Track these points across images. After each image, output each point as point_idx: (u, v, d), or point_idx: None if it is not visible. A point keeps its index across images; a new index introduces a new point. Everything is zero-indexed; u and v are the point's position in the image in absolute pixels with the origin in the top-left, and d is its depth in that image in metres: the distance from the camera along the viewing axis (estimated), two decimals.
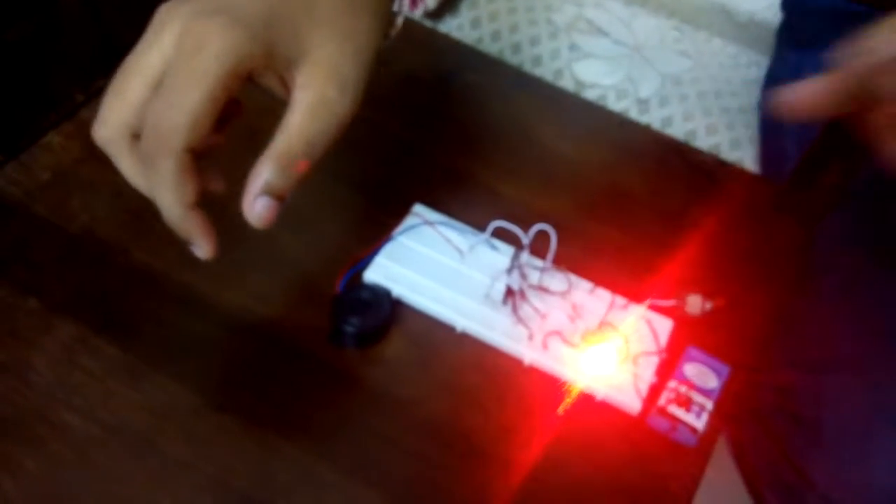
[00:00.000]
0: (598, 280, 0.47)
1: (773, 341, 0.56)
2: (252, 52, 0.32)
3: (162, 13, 0.34)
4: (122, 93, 0.34)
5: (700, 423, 0.41)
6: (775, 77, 0.68)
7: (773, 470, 0.57)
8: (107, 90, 0.34)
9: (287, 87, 0.35)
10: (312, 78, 0.34)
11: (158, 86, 0.33)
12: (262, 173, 0.34)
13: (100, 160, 0.50)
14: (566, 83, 0.69)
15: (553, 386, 0.43)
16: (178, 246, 0.46)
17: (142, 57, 0.33)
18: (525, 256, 0.46)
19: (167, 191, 0.33)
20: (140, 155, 0.34)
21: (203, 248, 0.35)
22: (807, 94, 0.37)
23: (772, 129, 0.66)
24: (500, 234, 0.47)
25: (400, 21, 0.42)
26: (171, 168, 0.33)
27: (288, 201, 0.35)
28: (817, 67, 0.34)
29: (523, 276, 0.45)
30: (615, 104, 0.68)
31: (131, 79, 0.33)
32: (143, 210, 0.48)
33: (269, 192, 0.34)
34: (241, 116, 0.37)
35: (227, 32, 0.32)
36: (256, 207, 0.34)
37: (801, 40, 0.66)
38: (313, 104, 0.34)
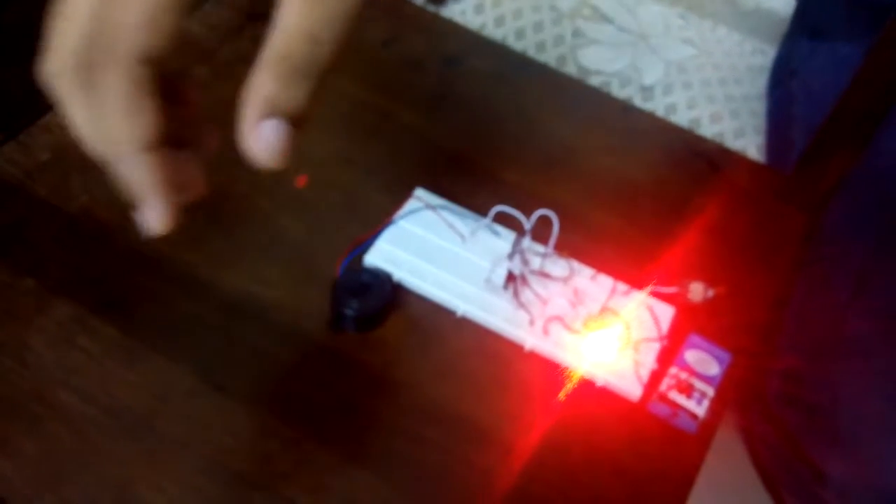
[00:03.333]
0: (600, 266, 0.47)
1: (776, 327, 0.56)
2: None
3: None
4: (72, 9, 0.25)
5: (701, 409, 0.41)
6: (787, 65, 0.67)
7: (784, 457, 0.57)
8: (52, 15, 0.27)
9: None
10: None
11: None
12: (260, 87, 0.25)
13: None
14: (570, 69, 0.69)
15: (554, 371, 0.43)
16: (177, 227, 0.46)
17: None
18: (527, 242, 0.45)
19: (117, 120, 0.26)
20: (82, 79, 0.26)
21: (157, 212, 0.27)
22: None
23: (779, 118, 0.66)
24: (501, 219, 0.47)
25: None
26: (120, 84, 0.25)
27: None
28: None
29: (525, 262, 0.45)
30: (619, 91, 0.68)
31: None
32: None
33: (274, 111, 0.25)
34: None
35: None
36: (263, 135, 0.25)
37: (814, 29, 0.65)
38: None
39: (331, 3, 0.25)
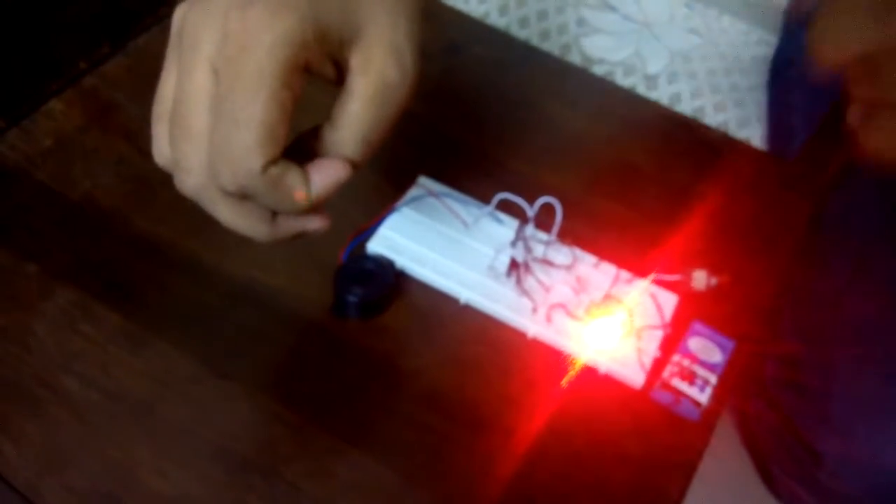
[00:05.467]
0: (603, 254, 0.46)
1: (779, 313, 0.56)
2: (305, 38, 0.28)
3: (188, 17, 0.28)
4: (189, 130, 0.28)
5: (704, 396, 0.41)
6: (783, 55, 0.67)
7: (779, 438, 0.57)
8: (166, 132, 0.30)
9: (338, 70, 0.31)
10: (370, 60, 0.30)
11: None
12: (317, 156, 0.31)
13: (102, 128, 0.50)
14: (574, 58, 0.68)
15: (557, 359, 0.43)
16: (180, 214, 0.46)
17: (188, 80, 0.28)
18: (530, 229, 0.45)
19: (285, 206, 0.30)
20: (227, 192, 0.30)
21: (317, 220, 0.33)
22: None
23: (780, 107, 0.66)
24: (505, 206, 0.47)
25: None
26: (263, 189, 0.29)
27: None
28: None
29: (528, 249, 0.45)
30: (623, 80, 0.67)
31: (190, 110, 0.28)
32: (144, 178, 0.48)
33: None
34: None
35: (274, 21, 0.27)
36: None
37: (809, 17, 0.65)
38: (374, 91, 0.30)
39: (386, 108, 0.30)
